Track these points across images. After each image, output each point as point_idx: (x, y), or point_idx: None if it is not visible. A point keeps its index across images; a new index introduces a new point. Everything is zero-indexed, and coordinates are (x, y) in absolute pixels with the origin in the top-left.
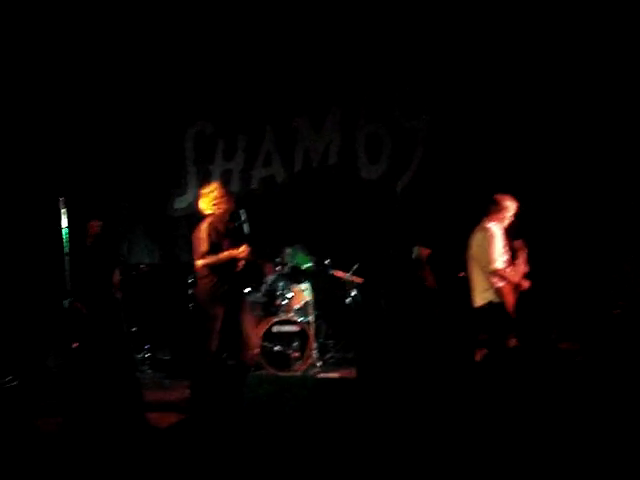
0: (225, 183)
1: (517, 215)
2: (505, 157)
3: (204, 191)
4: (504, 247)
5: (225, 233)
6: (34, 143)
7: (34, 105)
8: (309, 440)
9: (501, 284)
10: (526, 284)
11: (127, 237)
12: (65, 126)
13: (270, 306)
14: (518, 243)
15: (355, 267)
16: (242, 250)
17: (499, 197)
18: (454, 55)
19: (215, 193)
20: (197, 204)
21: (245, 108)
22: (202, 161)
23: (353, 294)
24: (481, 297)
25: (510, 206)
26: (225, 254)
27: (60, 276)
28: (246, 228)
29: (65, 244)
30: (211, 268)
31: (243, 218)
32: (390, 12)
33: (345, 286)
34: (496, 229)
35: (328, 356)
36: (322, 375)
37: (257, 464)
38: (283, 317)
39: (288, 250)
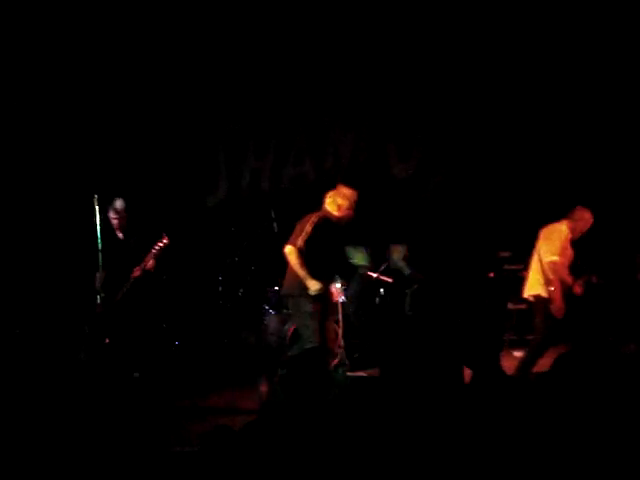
0: (255, 182)
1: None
2: (536, 158)
3: (342, 191)
4: (567, 250)
5: (328, 239)
6: (70, 141)
7: (70, 105)
8: (338, 437)
9: (554, 278)
10: (579, 289)
11: None
12: (100, 125)
13: None
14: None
15: (383, 266)
16: (332, 292)
17: (581, 208)
18: (488, 60)
19: (350, 200)
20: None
21: (276, 107)
22: (233, 160)
23: (382, 293)
24: (532, 289)
25: (587, 220)
26: (309, 279)
27: (94, 271)
28: (275, 227)
29: (99, 240)
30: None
31: (272, 217)
32: (423, 19)
33: (375, 285)
34: (565, 229)
35: (356, 355)
36: (350, 373)
37: (286, 461)
38: None
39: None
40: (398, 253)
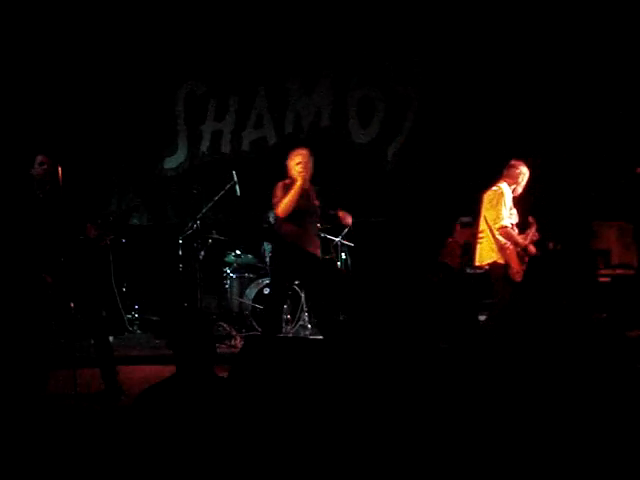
0: (216, 144)
1: (529, 186)
2: (498, 123)
3: (291, 153)
4: (512, 210)
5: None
6: (24, 102)
7: (24, 65)
8: (304, 399)
9: (507, 243)
10: (534, 249)
11: (118, 197)
12: (55, 86)
13: (261, 268)
14: (530, 218)
15: (345, 231)
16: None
17: (515, 162)
18: (448, 20)
19: (297, 159)
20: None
21: (237, 69)
22: (193, 121)
23: (343, 257)
24: (487, 256)
25: (524, 173)
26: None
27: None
28: (237, 190)
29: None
30: None
31: (235, 180)
32: None
33: (336, 249)
34: (506, 189)
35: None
36: (313, 337)
37: (253, 426)
38: None
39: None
40: None
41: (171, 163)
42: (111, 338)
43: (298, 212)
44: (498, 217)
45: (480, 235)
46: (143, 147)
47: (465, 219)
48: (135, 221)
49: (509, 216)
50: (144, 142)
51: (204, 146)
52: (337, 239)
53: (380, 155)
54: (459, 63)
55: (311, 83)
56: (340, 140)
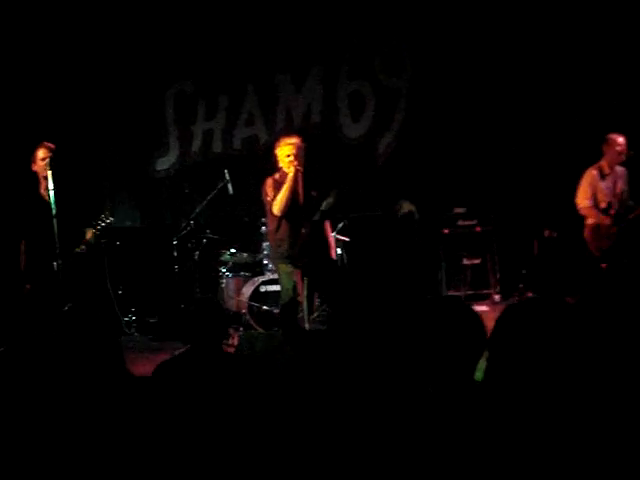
0: (207, 143)
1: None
2: (488, 116)
3: (280, 142)
4: (604, 189)
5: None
6: (15, 103)
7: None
8: (306, 393)
9: (588, 221)
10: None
11: (110, 199)
12: (46, 89)
13: (256, 266)
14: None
15: (340, 225)
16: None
17: (608, 136)
18: (437, 12)
19: (286, 150)
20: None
21: (226, 66)
22: (183, 121)
23: (339, 252)
24: None
25: (615, 140)
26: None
27: (50, 238)
28: (230, 188)
29: (52, 206)
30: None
31: (227, 178)
32: None
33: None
34: (593, 171)
35: (315, 314)
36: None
37: (255, 421)
38: (270, 276)
39: None
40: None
41: (163, 164)
42: None
43: (292, 209)
44: (577, 196)
45: None
46: (134, 149)
47: (459, 210)
48: (128, 223)
49: (590, 195)
50: (135, 144)
51: (195, 146)
52: (332, 234)
53: (372, 149)
54: (449, 54)
55: (300, 78)
56: (331, 135)
